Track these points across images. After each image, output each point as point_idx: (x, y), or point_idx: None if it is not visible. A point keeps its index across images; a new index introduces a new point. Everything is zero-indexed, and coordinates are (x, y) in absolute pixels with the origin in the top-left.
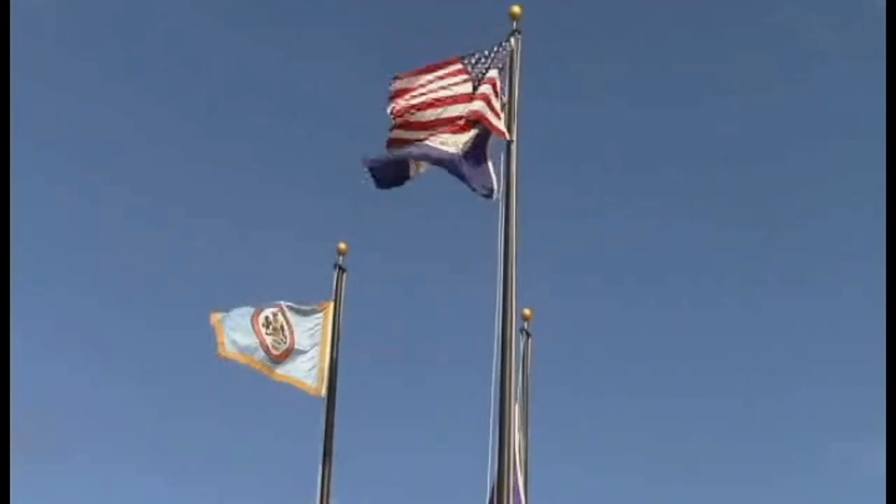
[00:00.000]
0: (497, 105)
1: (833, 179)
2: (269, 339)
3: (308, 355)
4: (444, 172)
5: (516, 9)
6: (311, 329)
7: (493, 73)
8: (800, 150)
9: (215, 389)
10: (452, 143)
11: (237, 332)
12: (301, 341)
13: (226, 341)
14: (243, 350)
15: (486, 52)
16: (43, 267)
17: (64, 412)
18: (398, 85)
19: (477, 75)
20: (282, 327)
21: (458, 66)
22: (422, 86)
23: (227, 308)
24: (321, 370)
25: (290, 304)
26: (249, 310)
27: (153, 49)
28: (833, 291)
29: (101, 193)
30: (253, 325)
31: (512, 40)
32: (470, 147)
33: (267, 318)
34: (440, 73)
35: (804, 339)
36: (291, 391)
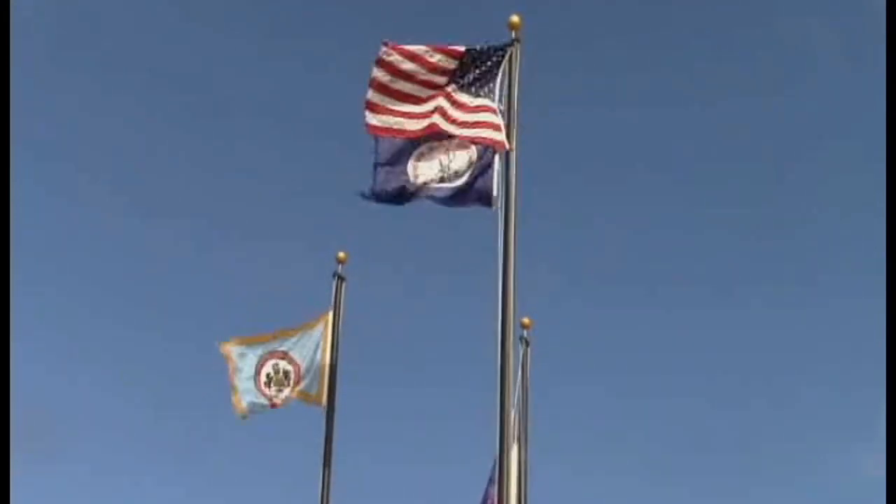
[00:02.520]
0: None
1: (832, 182)
2: (271, 392)
3: (310, 369)
4: None
5: (515, 18)
6: (314, 346)
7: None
8: (799, 152)
9: (215, 394)
10: (451, 175)
11: (248, 399)
12: (306, 366)
13: (242, 402)
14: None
15: (483, 53)
16: (43, 271)
17: (64, 415)
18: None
19: (470, 81)
20: (284, 374)
21: (455, 64)
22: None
23: (228, 331)
24: (321, 379)
25: (291, 344)
26: (252, 367)
27: (152, 57)
28: (833, 292)
29: (99, 199)
30: (256, 385)
31: (510, 50)
32: (475, 161)
33: (268, 374)
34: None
35: (803, 342)
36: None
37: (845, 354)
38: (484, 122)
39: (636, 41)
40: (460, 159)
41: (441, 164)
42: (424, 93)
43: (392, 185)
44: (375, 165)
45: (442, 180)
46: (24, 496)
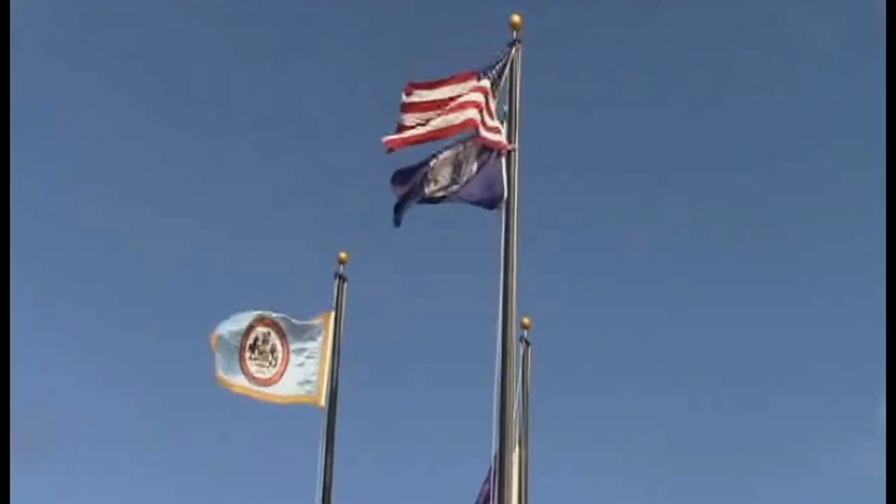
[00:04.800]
0: (493, 115)
1: (833, 181)
2: (252, 367)
3: (305, 368)
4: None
5: (517, 18)
6: (310, 342)
7: (485, 82)
8: (799, 153)
9: (215, 398)
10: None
11: (226, 359)
12: (296, 359)
13: (222, 368)
14: (234, 378)
15: (494, 63)
16: (44, 275)
17: (62, 415)
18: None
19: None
20: (272, 349)
21: (474, 83)
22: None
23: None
24: (321, 380)
25: (288, 319)
26: (241, 329)
27: (153, 60)
28: (833, 292)
29: (102, 202)
30: (239, 352)
31: (512, 50)
32: (477, 163)
33: (256, 339)
34: (454, 86)
35: (803, 342)
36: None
37: (845, 354)
38: (496, 127)
39: (636, 42)
40: (472, 163)
41: (454, 169)
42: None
43: (411, 195)
44: (394, 178)
45: (454, 182)
46: (23, 497)
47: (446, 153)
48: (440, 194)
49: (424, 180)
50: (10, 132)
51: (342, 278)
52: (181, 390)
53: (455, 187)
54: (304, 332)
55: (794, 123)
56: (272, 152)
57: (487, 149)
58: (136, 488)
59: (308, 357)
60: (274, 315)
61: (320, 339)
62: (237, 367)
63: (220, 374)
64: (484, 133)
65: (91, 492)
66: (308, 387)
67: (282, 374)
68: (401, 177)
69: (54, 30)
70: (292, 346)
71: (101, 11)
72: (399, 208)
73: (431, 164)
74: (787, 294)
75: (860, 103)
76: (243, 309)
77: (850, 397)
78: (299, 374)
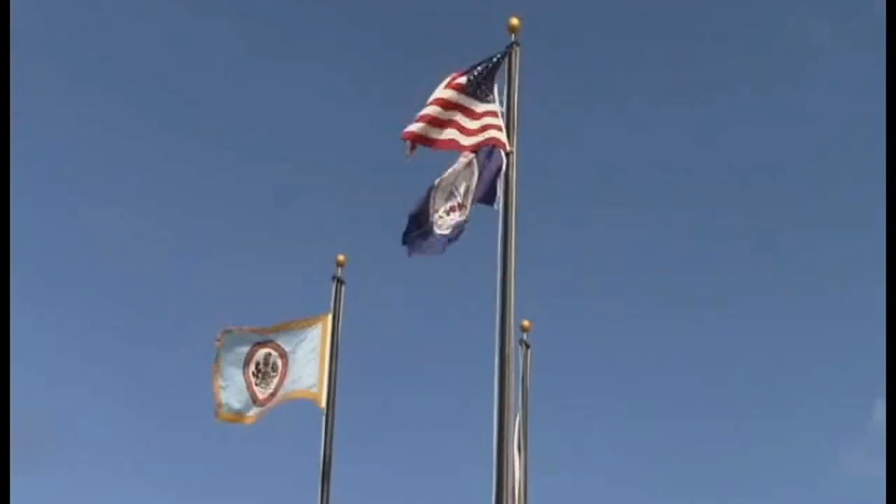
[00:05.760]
0: (497, 115)
1: (831, 184)
2: (257, 390)
3: (307, 367)
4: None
5: (515, 21)
6: (309, 344)
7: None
8: (799, 153)
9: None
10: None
11: (232, 394)
12: (295, 369)
13: (223, 406)
14: (238, 412)
15: (485, 65)
16: (44, 275)
17: (62, 420)
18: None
19: (476, 88)
20: (273, 365)
21: (463, 81)
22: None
23: (225, 321)
24: (320, 382)
25: (285, 335)
26: (242, 355)
27: (153, 60)
28: (832, 293)
29: (102, 202)
30: (245, 378)
31: (510, 52)
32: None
33: (258, 364)
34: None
35: (802, 343)
36: (291, 402)
37: (842, 355)
38: (489, 126)
39: (635, 44)
40: (464, 186)
41: (452, 194)
42: (448, 115)
43: (423, 239)
44: (410, 217)
45: (453, 209)
46: (23, 499)
47: (453, 167)
48: (451, 232)
49: (430, 211)
50: (10, 132)
51: (340, 281)
52: (181, 391)
53: (461, 208)
54: (300, 336)
55: (794, 123)
56: (271, 153)
57: (488, 145)
58: (135, 489)
59: (307, 358)
60: (271, 336)
61: (318, 339)
62: (245, 395)
63: (224, 412)
64: (456, 136)
65: (91, 493)
66: (310, 383)
67: (279, 388)
68: (413, 219)
69: (54, 30)
70: (287, 348)
71: (100, 11)
72: (410, 239)
73: (432, 191)
74: (786, 295)
75: (860, 103)
76: (242, 311)
77: (851, 398)
78: (301, 375)
